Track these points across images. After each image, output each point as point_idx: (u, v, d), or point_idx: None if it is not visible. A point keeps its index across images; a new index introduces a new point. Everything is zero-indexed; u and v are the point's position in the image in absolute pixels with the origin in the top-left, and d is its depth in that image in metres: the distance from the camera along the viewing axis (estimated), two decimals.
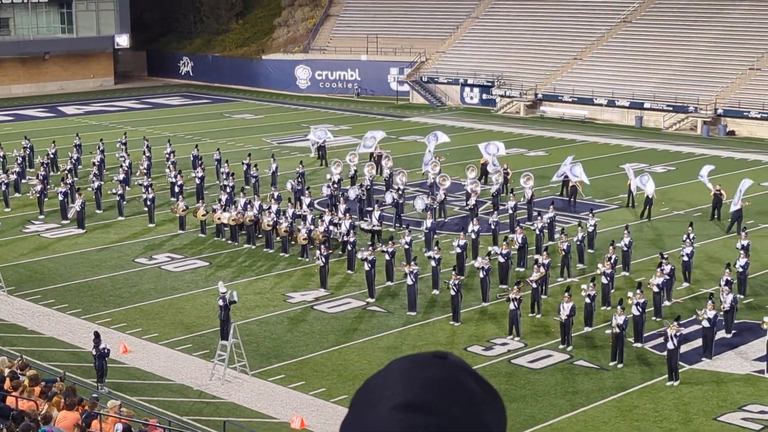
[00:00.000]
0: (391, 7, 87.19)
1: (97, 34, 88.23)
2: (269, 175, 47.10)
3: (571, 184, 45.07)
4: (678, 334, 25.99)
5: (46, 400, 18.74)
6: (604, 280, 31.54)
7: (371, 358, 27.82)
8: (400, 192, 42.45)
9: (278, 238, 38.01)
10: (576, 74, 72.76)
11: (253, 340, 29.04)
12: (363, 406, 2.15)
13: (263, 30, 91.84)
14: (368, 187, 44.32)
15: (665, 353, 26.49)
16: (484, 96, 75.88)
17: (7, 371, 20.73)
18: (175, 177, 45.19)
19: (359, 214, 41.43)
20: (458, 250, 34.56)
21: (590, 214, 38.53)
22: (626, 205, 44.48)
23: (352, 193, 43.11)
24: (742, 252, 33.35)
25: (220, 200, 41.03)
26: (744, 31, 70.45)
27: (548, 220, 38.31)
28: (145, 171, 47.20)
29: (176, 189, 44.35)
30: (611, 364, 27.31)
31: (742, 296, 32.06)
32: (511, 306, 29.08)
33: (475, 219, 38.12)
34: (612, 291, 31.77)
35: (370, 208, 40.82)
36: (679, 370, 26.38)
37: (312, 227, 37.03)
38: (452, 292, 30.28)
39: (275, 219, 38.06)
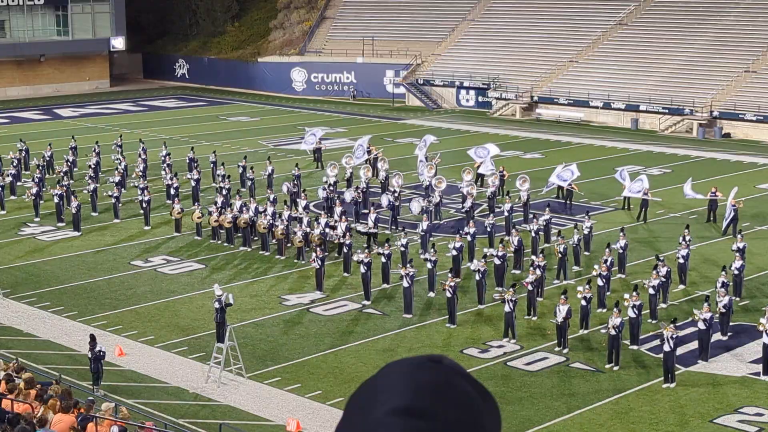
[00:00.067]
0: (386, 9, 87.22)
1: (93, 37, 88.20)
2: (265, 178, 47.10)
3: (566, 188, 45.02)
4: (674, 336, 26.01)
5: (42, 403, 18.72)
6: (600, 283, 31.57)
7: (367, 360, 27.81)
8: (396, 194, 42.47)
9: (274, 241, 38.00)
10: (572, 77, 72.83)
11: (249, 342, 29.02)
12: (358, 411, 2.15)
13: (259, 32, 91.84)
14: (364, 189, 44.33)
15: (661, 355, 26.51)
16: (480, 98, 75.93)
17: (2, 374, 20.71)
18: (171, 179, 45.17)
19: (355, 217, 41.43)
20: (454, 252, 34.57)
21: (586, 217, 38.56)
22: (622, 208, 44.51)
23: (348, 195, 43.12)
24: (737, 254, 33.39)
25: (215, 203, 41.02)
26: (739, 33, 70.54)
27: (544, 223, 38.34)
28: (141, 173, 47.19)
29: (172, 191, 44.33)
30: (607, 366, 27.33)
31: (737, 298, 32.09)
32: (506, 308, 29.09)
33: (471, 221, 38.13)
34: (608, 293, 31.79)
35: (366, 211, 40.82)
36: (675, 373, 26.41)
37: (308, 230, 37.02)
38: (448, 295, 30.28)
39: (271, 221, 38.05)
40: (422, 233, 37.83)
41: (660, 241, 39.57)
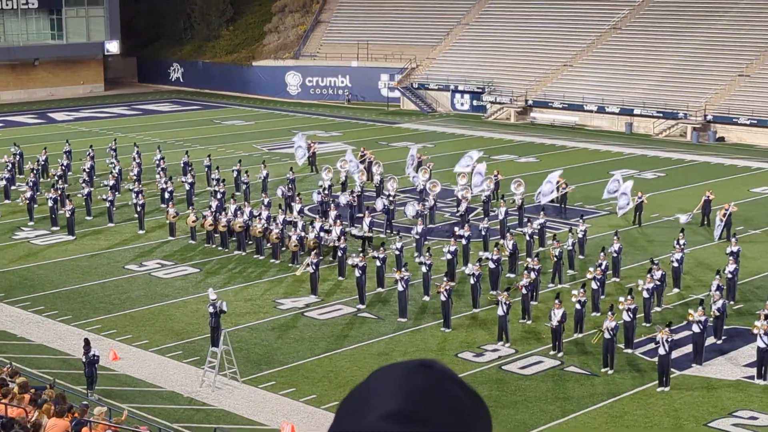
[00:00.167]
0: (381, 13, 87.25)
1: (87, 41, 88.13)
2: (259, 182, 47.06)
3: (560, 189, 44.89)
4: (669, 339, 26.02)
5: (36, 408, 18.69)
6: (594, 286, 31.59)
7: (362, 364, 27.79)
8: (391, 198, 42.48)
9: (269, 245, 37.98)
10: (566, 81, 72.90)
11: (244, 346, 28.99)
12: (350, 415, 2.15)
13: (253, 36, 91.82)
14: (359, 193, 44.33)
15: (656, 359, 26.53)
16: (475, 102, 75.95)
17: None
18: (166, 183, 45.14)
19: (350, 221, 41.42)
20: (449, 256, 34.56)
21: (580, 220, 38.60)
22: (616, 211, 44.48)
23: (343, 199, 43.12)
24: (731, 258, 33.43)
25: (210, 207, 40.97)
26: (734, 37, 70.66)
27: (539, 226, 38.37)
28: (135, 177, 47.15)
29: (166, 195, 44.29)
30: (602, 370, 27.34)
31: (731, 302, 32.13)
32: (500, 312, 29.09)
33: (466, 225, 38.15)
34: (602, 297, 31.82)
35: (360, 215, 40.82)
36: (670, 376, 26.42)
37: (303, 234, 37.01)
38: (443, 298, 30.28)
39: (266, 225, 38.03)
40: (417, 237, 37.84)
41: (654, 244, 39.61)
